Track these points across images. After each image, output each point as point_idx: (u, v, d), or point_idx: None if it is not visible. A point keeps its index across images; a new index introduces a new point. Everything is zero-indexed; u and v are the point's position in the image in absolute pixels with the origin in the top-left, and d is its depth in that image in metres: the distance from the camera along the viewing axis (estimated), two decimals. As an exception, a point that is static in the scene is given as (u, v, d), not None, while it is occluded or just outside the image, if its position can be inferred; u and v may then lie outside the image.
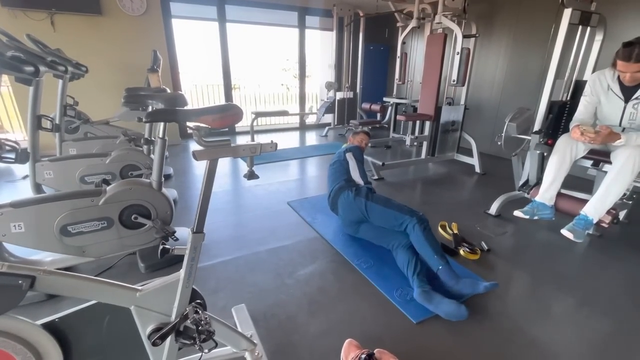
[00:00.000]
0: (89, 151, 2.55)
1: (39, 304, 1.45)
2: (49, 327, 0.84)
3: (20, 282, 0.71)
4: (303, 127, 6.27)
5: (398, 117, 3.93)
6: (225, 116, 0.88)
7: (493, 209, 2.51)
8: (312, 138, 5.49)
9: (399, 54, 4.48)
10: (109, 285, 0.83)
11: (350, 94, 5.86)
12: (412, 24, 3.87)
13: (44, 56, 1.75)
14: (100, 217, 1.53)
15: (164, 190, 1.67)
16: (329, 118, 6.06)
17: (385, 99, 5.08)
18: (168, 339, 0.90)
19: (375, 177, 3.35)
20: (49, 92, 2.27)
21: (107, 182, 1.67)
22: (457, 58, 3.30)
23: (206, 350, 0.92)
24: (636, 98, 1.80)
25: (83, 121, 3.00)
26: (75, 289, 0.79)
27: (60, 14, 3.65)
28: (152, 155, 2.42)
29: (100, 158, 2.28)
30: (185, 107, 1.52)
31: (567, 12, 2.02)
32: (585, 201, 1.90)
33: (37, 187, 2.06)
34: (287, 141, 5.19)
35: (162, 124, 1.53)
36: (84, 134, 3.03)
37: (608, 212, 1.82)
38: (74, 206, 1.47)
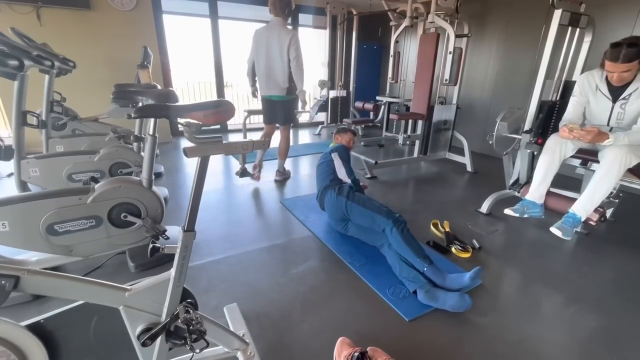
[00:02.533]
0: (76, 148, 2.50)
1: (24, 304, 1.41)
2: (34, 329, 0.81)
3: (3, 282, 0.69)
4: (296, 126, 6.25)
5: (391, 116, 3.95)
6: (217, 112, 0.87)
7: (484, 207, 2.54)
8: (305, 136, 5.48)
9: (392, 52, 4.49)
10: (97, 285, 0.81)
11: (343, 93, 5.85)
12: (405, 23, 3.89)
13: (29, 50, 1.70)
14: (88, 216, 1.49)
15: (154, 188, 1.65)
16: (322, 116, 6.05)
17: (378, 97, 5.09)
18: (158, 340, 0.89)
19: (368, 175, 3.36)
20: (36, 88, 2.22)
21: (95, 180, 1.64)
22: (449, 57, 3.32)
23: (197, 350, 0.90)
24: (623, 98, 1.84)
25: (71, 118, 2.93)
26: (61, 289, 0.77)
27: (47, 7, 3.56)
28: (142, 153, 2.38)
29: (89, 155, 2.23)
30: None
31: (557, 14, 2.05)
32: (573, 200, 1.93)
33: (23, 185, 2.01)
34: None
35: (152, 120, 1.50)
36: (71, 130, 2.96)
37: (595, 210, 1.86)
38: (61, 204, 1.44)
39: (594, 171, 1.90)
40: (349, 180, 2.16)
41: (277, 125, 3.03)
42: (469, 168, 3.64)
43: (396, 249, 1.71)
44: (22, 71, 1.61)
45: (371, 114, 5.34)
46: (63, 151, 2.46)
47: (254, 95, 3.04)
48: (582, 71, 2.28)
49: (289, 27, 2.74)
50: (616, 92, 1.87)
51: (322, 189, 2.17)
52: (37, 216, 1.40)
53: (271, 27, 2.67)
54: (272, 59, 2.69)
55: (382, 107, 5.06)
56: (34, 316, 0.84)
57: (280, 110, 2.90)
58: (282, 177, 3.19)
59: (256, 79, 2.89)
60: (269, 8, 2.70)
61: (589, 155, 1.96)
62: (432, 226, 2.26)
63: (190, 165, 3.61)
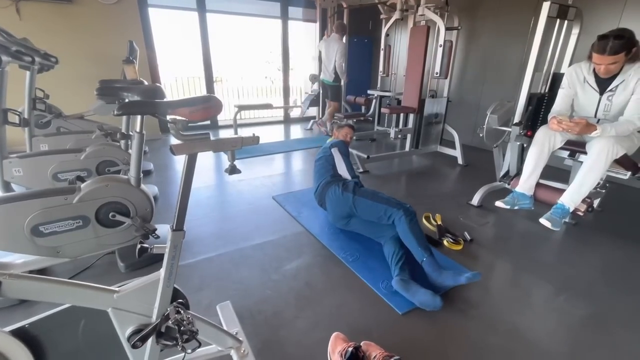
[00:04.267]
0: (62, 147, 2.43)
1: (10, 308, 1.38)
2: (19, 334, 0.79)
3: (-17, 287, 0.66)
4: (287, 121, 6.20)
5: (382, 109, 3.94)
6: (204, 108, 0.85)
7: (475, 199, 2.56)
8: (296, 131, 5.44)
9: (382, 46, 4.47)
10: (84, 287, 0.79)
11: (334, 87, 5.80)
12: (396, 15, 3.86)
13: (7, 45, 1.64)
14: (75, 216, 1.46)
15: (142, 186, 1.61)
16: (313, 111, 6.01)
17: (369, 91, 5.08)
18: (149, 341, 0.87)
19: (361, 170, 3.35)
20: (18, 85, 2.15)
21: (82, 179, 1.59)
22: (439, 50, 3.32)
23: (189, 351, 0.89)
24: (610, 90, 1.86)
25: (55, 115, 2.85)
26: (45, 293, 0.75)
27: (27, 1, 3.43)
28: (129, 150, 2.33)
29: (75, 154, 2.17)
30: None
31: (546, 5, 2.05)
32: (562, 191, 1.96)
33: (6, 186, 1.95)
34: (272, 135, 5.13)
35: (139, 117, 1.47)
36: (56, 128, 2.88)
37: (583, 201, 1.89)
38: (46, 205, 1.39)
39: (582, 162, 1.93)
40: (349, 177, 2.14)
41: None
42: (460, 161, 3.67)
43: (401, 238, 1.73)
44: (0, 67, 1.55)
45: (363, 108, 5.32)
46: (48, 150, 2.40)
47: None
48: (570, 63, 2.30)
49: (342, 40, 4.48)
50: (603, 84, 1.89)
51: (322, 185, 2.12)
52: (21, 217, 1.36)
53: (331, 38, 4.47)
54: (327, 57, 4.56)
55: (374, 101, 5.05)
56: (20, 320, 0.82)
57: (329, 90, 4.79)
58: (327, 133, 4.58)
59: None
60: (333, 28, 4.48)
61: (577, 147, 1.98)
62: (424, 219, 2.28)
63: (181, 162, 3.55)
